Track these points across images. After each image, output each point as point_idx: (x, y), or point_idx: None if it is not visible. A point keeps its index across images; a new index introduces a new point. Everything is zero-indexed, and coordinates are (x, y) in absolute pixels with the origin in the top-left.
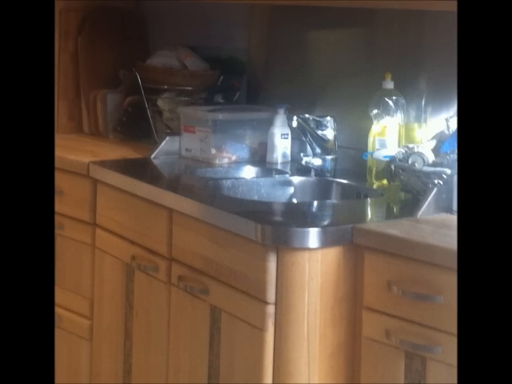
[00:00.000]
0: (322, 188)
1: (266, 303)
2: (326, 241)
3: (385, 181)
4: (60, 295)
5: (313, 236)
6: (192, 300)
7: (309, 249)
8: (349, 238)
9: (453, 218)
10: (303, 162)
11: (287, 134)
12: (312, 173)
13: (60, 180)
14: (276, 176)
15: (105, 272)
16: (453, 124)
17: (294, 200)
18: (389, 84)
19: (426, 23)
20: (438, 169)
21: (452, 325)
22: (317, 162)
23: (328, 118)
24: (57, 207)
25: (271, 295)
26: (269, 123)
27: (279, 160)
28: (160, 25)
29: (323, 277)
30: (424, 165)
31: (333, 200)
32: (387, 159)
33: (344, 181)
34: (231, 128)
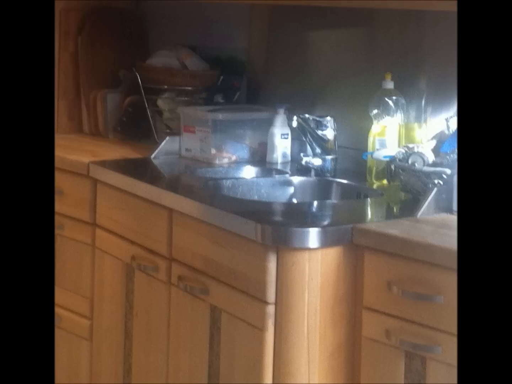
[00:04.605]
0: (322, 188)
1: (266, 303)
2: (326, 241)
3: (385, 181)
4: (60, 295)
5: (313, 236)
6: (192, 300)
7: (309, 249)
8: (349, 238)
9: (453, 218)
10: (303, 162)
11: (287, 134)
12: (312, 173)
13: (60, 180)
14: (276, 176)
15: (105, 272)
16: (453, 124)
17: (294, 200)
18: (389, 84)
19: (426, 23)
20: (438, 169)
21: (452, 325)
22: (317, 162)
23: (328, 118)
24: (57, 207)
25: (271, 295)
26: (269, 123)
27: (279, 160)
28: (160, 25)
29: (323, 277)
30: (424, 165)
31: (333, 200)
32: (387, 159)
33: (344, 181)
34: (231, 128)
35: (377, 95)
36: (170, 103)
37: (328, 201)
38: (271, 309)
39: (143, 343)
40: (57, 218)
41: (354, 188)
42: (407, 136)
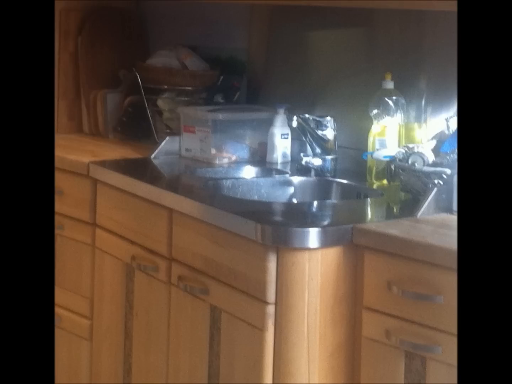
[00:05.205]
0: (322, 188)
1: (266, 303)
2: (326, 241)
3: (385, 181)
4: (60, 295)
5: (313, 236)
6: (192, 300)
7: (309, 249)
8: (349, 238)
9: (453, 218)
10: (303, 162)
11: (287, 134)
12: (312, 173)
13: (60, 180)
14: (276, 176)
15: (105, 272)
16: (453, 124)
17: (294, 200)
18: (389, 84)
19: (426, 23)
20: (438, 169)
21: (452, 325)
22: (317, 162)
23: (328, 118)
24: (57, 207)
25: (271, 295)
26: (269, 123)
27: (279, 160)
28: (160, 25)
29: (323, 277)
30: (424, 165)
31: (333, 200)
32: (387, 159)
33: (344, 181)
34: (231, 128)
35: (377, 95)
36: (170, 103)
37: (328, 201)
38: (271, 309)
39: (143, 343)
40: (57, 218)
41: (354, 188)
42: (407, 136)
